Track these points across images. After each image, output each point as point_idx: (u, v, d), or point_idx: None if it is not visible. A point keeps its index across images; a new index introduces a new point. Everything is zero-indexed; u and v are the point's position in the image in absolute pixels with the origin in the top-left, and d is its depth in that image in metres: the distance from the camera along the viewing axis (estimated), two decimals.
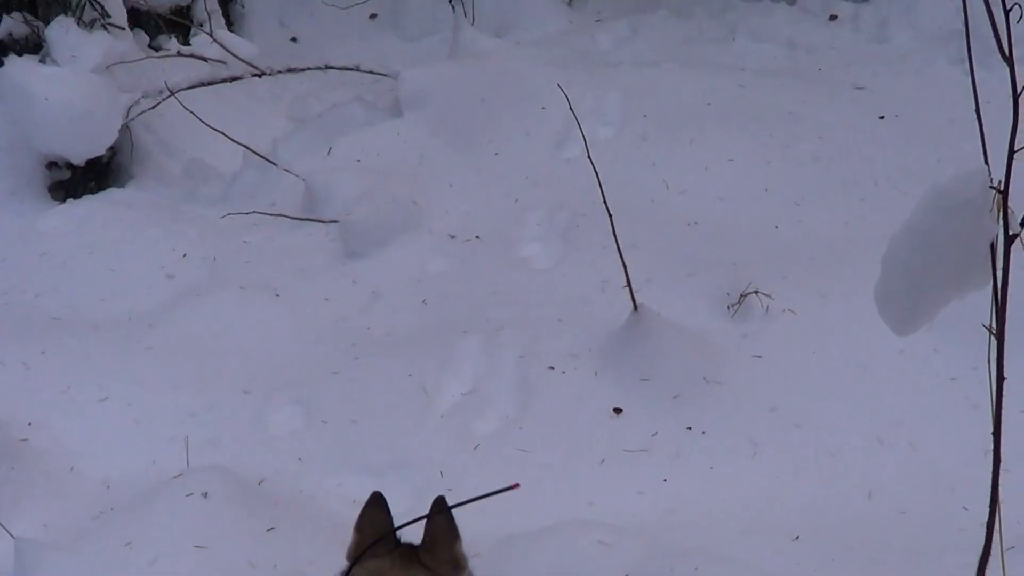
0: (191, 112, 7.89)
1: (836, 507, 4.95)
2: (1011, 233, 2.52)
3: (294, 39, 11.60)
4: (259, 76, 8.60)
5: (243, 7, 11.55)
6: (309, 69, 8.82)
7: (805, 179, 7.39)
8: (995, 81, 8.76)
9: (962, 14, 2.48)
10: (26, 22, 8.61)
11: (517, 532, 4.50)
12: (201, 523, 4.54)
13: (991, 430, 2.89)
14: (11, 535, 4.61)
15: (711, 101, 8.23)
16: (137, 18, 9.72)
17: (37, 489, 5.20)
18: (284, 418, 5.62)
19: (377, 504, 3.25)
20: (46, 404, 5.73)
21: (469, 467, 5.21)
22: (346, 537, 3.18)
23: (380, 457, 5.33)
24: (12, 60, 8.14)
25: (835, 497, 4.97)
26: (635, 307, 5.57)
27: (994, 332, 2.72)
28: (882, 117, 8.15)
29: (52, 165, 8.08)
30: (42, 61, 8.22)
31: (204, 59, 8.57)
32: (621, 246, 5.56)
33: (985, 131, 2.68)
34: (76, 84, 7.82)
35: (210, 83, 8.46)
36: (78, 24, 8.36)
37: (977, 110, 2.65)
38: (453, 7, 9.85)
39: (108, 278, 6.90)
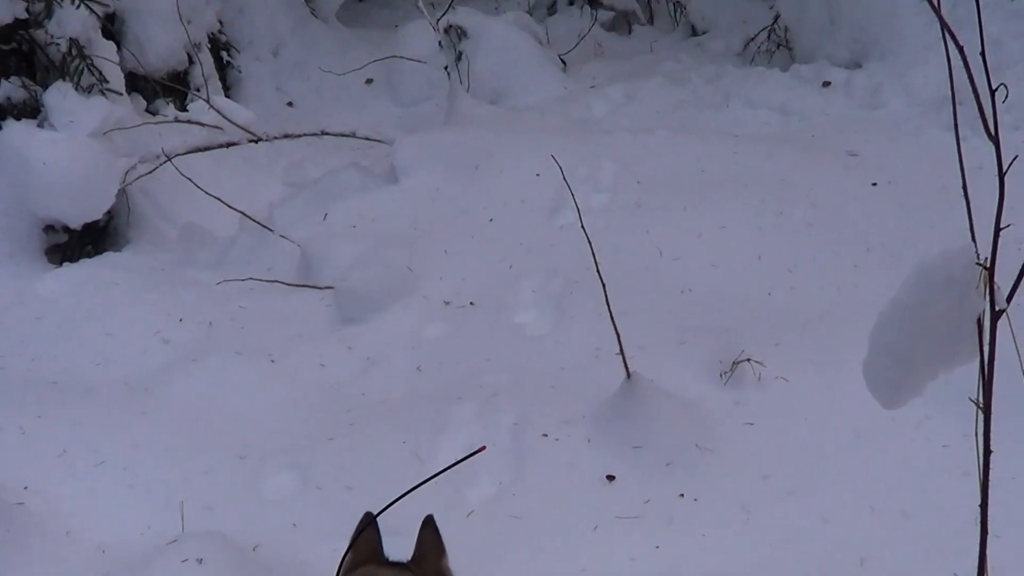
0: (188, 178, 7.94)
1: (828, 574, 4.95)
2: (997, 309, 2.55)
3: (290, 104, 11.69)
4: (256, 142, 8.66)
5: (240, 72, 11.65)
6: (305, 135, 8.88)
7: (798, 246, 7.42)
8: (988, 147, 8.82)
9: (959, 67, 2.53)
10: (24, 87, 8.67)
11: None
12: None
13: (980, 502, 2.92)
14: None
15: (704, 168, 8.28)
16: (134, 82, 9.81)
17: (33, 553, 5.19)
18: (279, 484, 5.62)
19: (369, 523, 3.39)
20: (43, 468, 5.71)
21: (463, 533, 5.19)
22: None
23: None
24: (10, 124, 8.19)
25: (827, 564, 4.97)
26: (628, 375, 5.59)
27: (981, 406, 2.75)
28: (875, 184, 8.20)
29: (49, 229, 8.11)
30: (40, 126, 8.27)
31: (201, 124, 8.61)
32: (615, 313, 5.58)
33: (979, 199, 2.71)
34: (74, 149, 7.87)
35: (207, 148, 8.52)
36: (76, 89, 8.43)
37: (964, 188, 2.69)
38: (448, 74, 9.92)
39: (104, 342, 6.91)
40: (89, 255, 8.06)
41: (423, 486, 3.24)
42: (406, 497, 3.78)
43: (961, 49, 2.53)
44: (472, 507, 5.36)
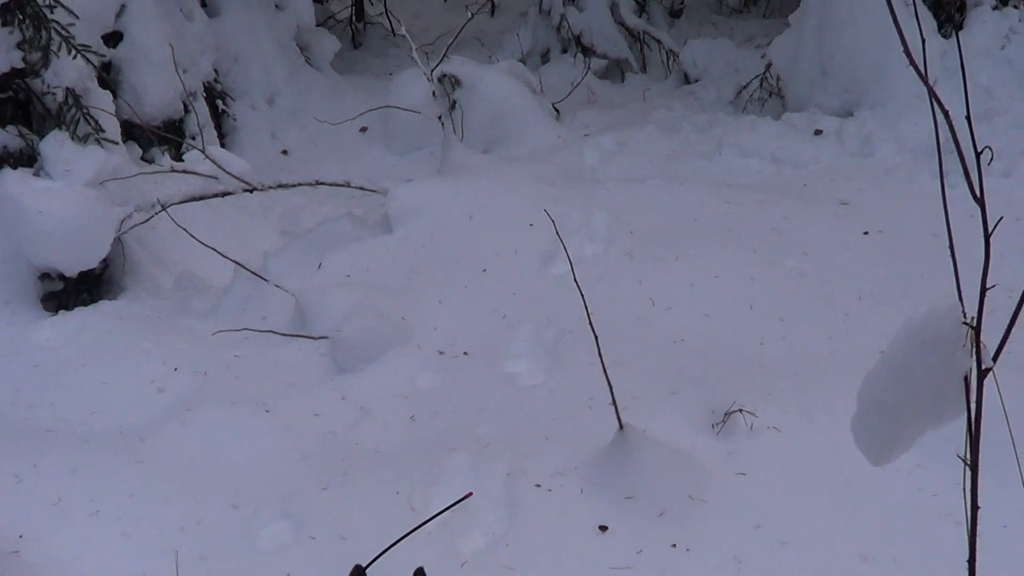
0: (183, 228, 7.97)
1: None
2: (984, 367, 2.58)
3: (285, 152, 11.74)
4: (250, 191, 8.69)
5: (235, 120, 11.70)
6: (300, 185, 8.91)
7: (789, 295, 7.46)
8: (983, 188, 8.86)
9: (945, 128, 2.57)
10: (20, 136, 8.69)
11: None
12: None
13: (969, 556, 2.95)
14: None
15: (697, 217, 8.32)
16: (130, 130, 9.85)
17: None
18: (273, 533, 5.63)
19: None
20: (38, 516, 5.72)
21: None
22: None
23: (368, 573, 5.34)
24: (6, 173, 8.19)
25: None
26: (620, 426, 5.62)
27: (968, 463, 2.78)
28: (866, 232, 8.25)
29: (45, 276, 8.11)
30: (36, 174, 8.28)
31: (196, 174, 8.65)
32: (608, 363, 5.61)
33: (969, 248, 2.74)
34: (70, 198, 7.89)
35: (202, 197, 8.54)
36: (72, 138, 8.46)
37: (951, 249, 2.73)
38: (442, 123, 9.97)
39: (100, 391, 6.91)
40: (85, 303, 8.06)
41: (415, 535, 3.27)
42: (398, 547, 3.83)
43: (946, 113, 2.56)
44: (465, 558, 5.37)
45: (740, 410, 5.99)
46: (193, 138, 10.00)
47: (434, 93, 10.67)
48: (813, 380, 6.38)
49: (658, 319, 7.23)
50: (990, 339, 2.61)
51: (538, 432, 6.15)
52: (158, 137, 10.05)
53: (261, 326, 7.36)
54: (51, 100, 8.57)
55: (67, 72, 8.57)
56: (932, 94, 2.53)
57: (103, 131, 8.63)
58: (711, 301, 7.36)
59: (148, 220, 8.29)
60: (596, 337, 5.53)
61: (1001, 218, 2.70)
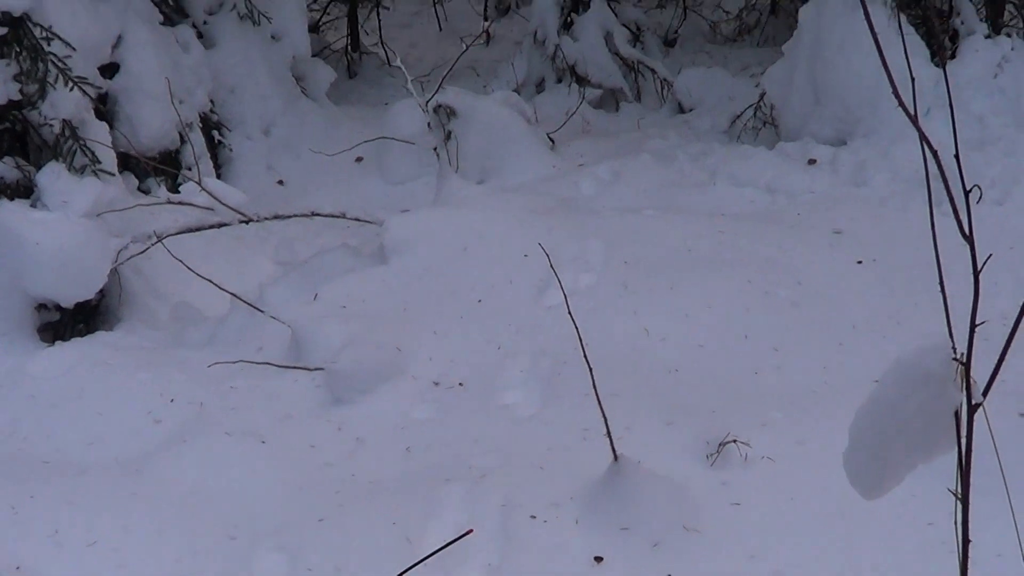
0: (179, 260, 7.99)
1: None
2: (974, 403, 2.60)
3: (281, 182, 11.75)
4: (246, 223, 8.72)
5: (231, 151, 11.73)
6: (296, 216, 8.94)
7: (784, 325, 7.49)
8: (973, 224, 8.88)
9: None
10: (17, 167, 8.71)
11: None
12: None
13: None
14: None
15: (691, 247, 8.36)
16: (126, 161, 9.87)
17: None
18: (269, 565, 5.63)
19: None
20: (35, 547, 5.74)
21: None
22: None
23: None
24: (3, 204, 8.20)
25: None
26: (615, 457, 5.64)
27: (959, 496, 2.80)
28: (860, 262, 8.29)
29: (42, 307, 8.14)
30: (33, 206, 8.30)
31: (193, 205, 8.68)
32: (602, 394, 5.62)
33: (964, 278, 2.76)
34: (66, 229, 7.91)
35: (198, 229, 8.57)
36: (69, 170, 8.47)
37: (941, 283, 2.76)
38: (437, 154, 10.00)
39: (96, 422, 6.93)
40: (81, 334, 8.08)
41: (412, 570, 3.29)
42: None
43: (935, 152, 2.60)
44: None
45: (734, 440, 6.01)
46: (189, 169, 10.03)
47: (429, 124, 10.69)
48: (807, 410, 6.40)
49: (653, 349, 7.26)
50: (983, 371, 2.64)
51: (533, 463, 6.16)
52: (154, 168, 10.07)
53: (257, 357, 7.37)
54: (48, 132, 8.59)
55: (64, 104, 8.59)
56: (922, 136, 2.56)
57: (100, 162, 8.64)
58: (705, 331, 7.39)
59: (144, 251, 8.31)
60: (591, 368, 5.55)
61: (991, 255, 2.72)
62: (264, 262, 9.38)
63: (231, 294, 7.93)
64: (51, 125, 8.57)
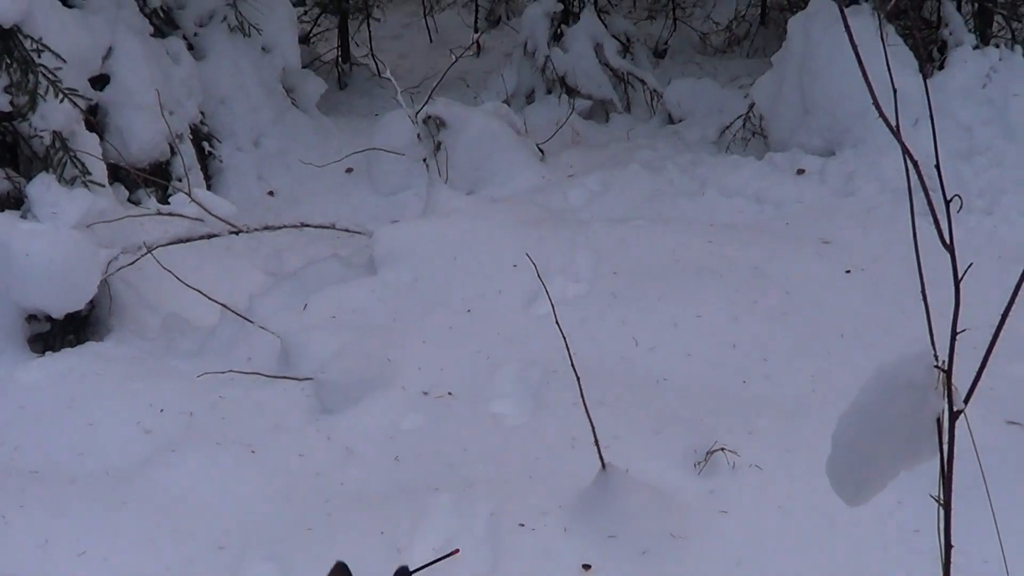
0: (168, 271, 7.99)
1: None
2: (955, 410, 2.62)
3: (271, 193, 11.77)
4: (236, 233, 8.73)
5: (221, 162, 11.74)
6: (285, 227, 8.95)
7: (772, 334, 7.51)
8: (960, 232, 8.94)
9: (926, 166, 2.62)
10: (8, 178, 8.75)
11: None
12: None
13: None
14: None
15: (680, 257, 8.38)
16: (116, 172, 9.89)
17: None
18: (258, 575, 5.65)
19: (341, 573, 3.38)
20: (24, 558, 5.74)
21: None
22: None
23: None
24: None
25: None
26: (603, 466, 5.66)
27: (941, 503, 2.82)
28: (848, 271, 8.32)
29: (32, 318, 8.14)
30: (23, 217, 8.33)
31: (183, 217, 8.68)
32: (591, 403, 5.65)
33: (949, 286, 2.77)
34: (56, 240, 7.91)
35: (188, 240, 8.57)
36: (59, 181, 8.51)
37: (923, 291, 2.79)
38: (427, 165, 10.01)
39: (86, 432, 6.91)
40: (71, 344, 8.08)
41: None
42: None
43: (915, 163, 2.62)
44: None
45: (722, 449, 6.03)
46: (180, 180, 10.04)
47: (419, 135, 10.71)
48: (795, 418, 6.42)
49: (641, 359, 7.28)
50: (961, 383, 2.66)
51: (522, 472, 6.18)
52: (144, 180, 10.08)
53: (246, 367, 7.38)
54: (38, 143, 8.62)
55: (54, 115, 8.62)
56: (904, 147, 2.59)
57: (90, 174, 8.68)
58: (694, 341, 7.41)
59: (134, 262, 8.31)
60: (578, 378, 5.57)
61: (971, 264, 2.74)
62: (254, 273, 9.37)
63: (221, 304, 7.94)
64: (41, 136, 8.61)
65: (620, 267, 8.19)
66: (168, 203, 9.15)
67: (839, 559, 5.41)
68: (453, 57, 11.41)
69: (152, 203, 9.17)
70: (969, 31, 10.62)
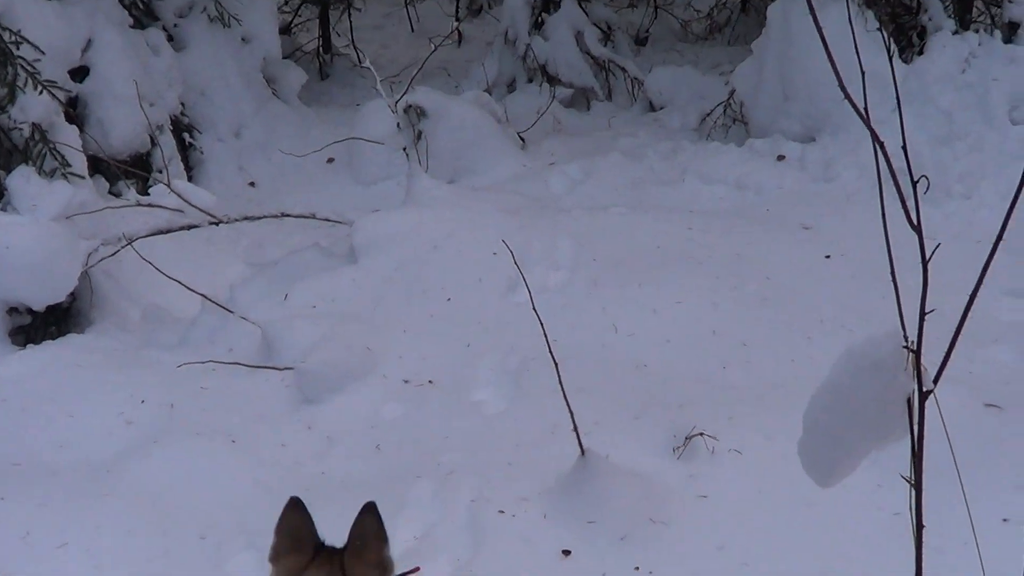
0: (149, 262, 7.98)
1: None
2: (925, 390, 2.63)
3: (252, 184, 11.75)
4: (216, 224, 8.71)
5: (202, 153, 11.73)
6: (266, 217, 8.95)
7: (752, 320, 7.54)
8: (940, 217, 8.93)
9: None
10: None
11: None
12: None
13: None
14: None
15: (660, 244, 8.40)
16: (97, 164, 9.87)
17: None
18: (240, 564, 5.63)
19: (296, 508, 3.36)
20: (6, 550, 5.73)
21: None
22: None
23: None
24: None
25: None
26: (582, 452, 5.67)
27: (912, 483, 2.84)
28: (828, 256, 8.35)
29: (13, 311, 8.13)
30: (3, 210, 8.31)
31: (162, 208, 8.67)
32: (571, 389, 5.66)
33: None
34: (37, 232, 7.90)
35: (168, 231, 8.56)
36: (39, 173, 8.49)
37: (892, 274, 2.80)
38: (407, 155, 10.00)
39: (68, 424, 6.91)
40: (53, 337, 8.07)
41: None
42: None
43: (882, 145, 2.64)
44: None
45: (701, 434, 6.05)
46: (160, 171, 10.02)
47: (399, 124, 10.70)
48: (775, 403, 6.42)
49: (621, 345, 7.30)
50: (931, 364, 2.67)
51: (502, 459, 6.20)
52: (124, 171, 10.06)
53: (228, 358, 7.37)
54: (18, 135, 8.61)
55: (33, 108, 8.61)
56: (873, 133, 2.60)
57: (69, 166, 8.67)
58: (674, 327, 7.43)
59: (115, 254, 8.30)
60: (556, 364, 5.59)
61: (939, 244, 2.76)
62: (235, 263, 9.37)
63: (201, 295, 7.94)
64: (21, 129, 8.60)
65: (600, 255, 8.20)
66: (148, 194, 9.12)
67: (819, 543, 5.43)
68: (433, 46, 11.41)
69: (132, 194, 9.16)
70: (948, 16, 10.64)
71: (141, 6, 11.76)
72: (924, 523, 2.89)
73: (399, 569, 3.46)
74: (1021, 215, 8.76)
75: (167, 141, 10.84)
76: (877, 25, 10.23)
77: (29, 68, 8.52)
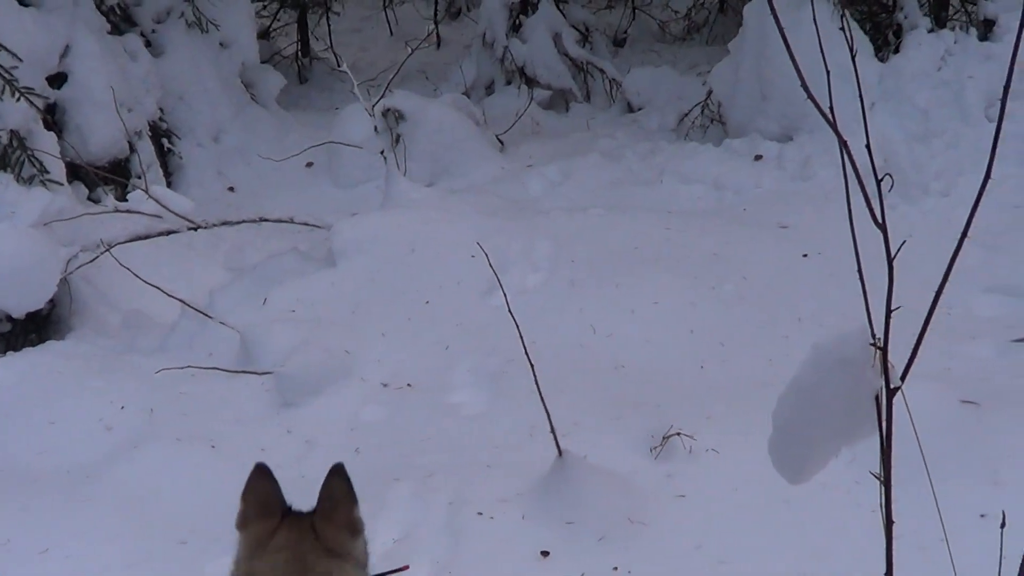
0: (127, 268, 7.98)
1: None
2: (892, 387, 2.64)
3: (231, 188, 11.75)
4: (195, 229, 8.72)
5: (181, 158, 11.72)
6: (244, 222, 8.95)
7: (730, 319, 7.56)
8: (917, 215, 8.95)
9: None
10: None
11: None
12: None
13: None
14: None
15: (638, 245, 8.41)
16: (75, 170, 9.85)
17: None
18: (221, 568, 5.54)
19: (262, 473, 3.36)
20: None
21: None
22: None
23: None
24: None
25: None
26: (560, 453, 5.68)
27: (881, 479, 2.86)
28: (805, 255, 8.37)
29: None
30: None
31: (141, 214, 8.67)
32: (549, 391, 5.66)
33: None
34: (15, 239, 7.91)
35: (147, 237, 8.57)
36: (17, 180, 8.48)
37: (860, 273, 2.82)
38: (385, 158, 10.01)
39: (48, 430, 6.92)
40: (32, 343, 8.08)
41: None
42: None
43: (845, 143, 2.66)
44: None
45: (678, 433, 6.06)
46: (139, 177, 10.02)
47: (376, 128, 10.70)
48: (752, 403, 6.36)
49: (599, 346, 7.32)
50: (898, 361, 2.69)
51: (480, 461, 6.21)
52: (103, 178, 10.06)
53: (207, 363, 7.38)
54: None
55: (11, 114, 8.60)
56: (837, 134, 2.62)
57: (48, 172, 8.66)
58: (652, 327, 7.45)
59: (94, 260, 8.30)
60: (532, 366, 5.59)
61: (904, 242, 2.78)
62: (214, 268, 9.37)
63: (181, 301, 7.94)
64: None
65: (579, 256, 8.22)
66: (127, 200, 9.11)
67: (797, 541, 5.43)
68: (409, 50, 11.41)
69: (111, 201, 9.14)
70: (924, 14, 10.66)
71: (119, 12, 11.74)
72: (896, 519, 2.91)
73: (382, 568, 3.45)
74: (1000, 212, 8.81)
75: (145, 147, 10.85)
76: (840, 25, 10.21)
77: (7, 75, 8.51)
